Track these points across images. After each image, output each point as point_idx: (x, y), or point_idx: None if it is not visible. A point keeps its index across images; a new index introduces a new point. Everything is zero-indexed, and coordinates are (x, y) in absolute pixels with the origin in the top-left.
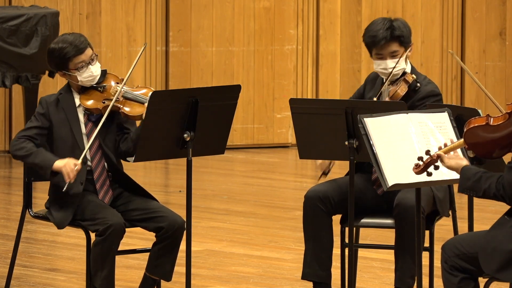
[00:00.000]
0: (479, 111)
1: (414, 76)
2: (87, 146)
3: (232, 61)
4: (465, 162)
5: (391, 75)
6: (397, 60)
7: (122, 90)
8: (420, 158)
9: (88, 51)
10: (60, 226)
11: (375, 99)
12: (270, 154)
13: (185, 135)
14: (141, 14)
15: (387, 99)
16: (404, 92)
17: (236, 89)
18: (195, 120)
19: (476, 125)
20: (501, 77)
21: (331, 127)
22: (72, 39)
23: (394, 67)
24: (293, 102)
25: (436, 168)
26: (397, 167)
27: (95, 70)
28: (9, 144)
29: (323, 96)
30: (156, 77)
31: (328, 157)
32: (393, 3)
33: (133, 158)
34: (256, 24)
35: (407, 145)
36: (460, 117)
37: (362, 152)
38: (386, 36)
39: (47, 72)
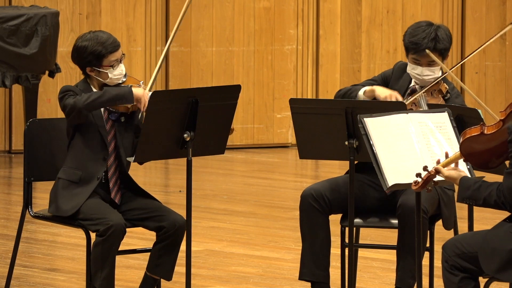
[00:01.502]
0: (479, 111)
1: (447, 87)
2: (150, 83)
3: (232, 61)
4: (464, 173)
5: (426, 87)
6: (434, 68)
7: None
8: (418, 175)
9: (120, 50)
10: (64, 213)
11: (411, 107)
12: (270, 154)
13: (185, 135)
14: (141, 14)
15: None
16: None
17: (236, 89)
18: (195, 120)
19: (472, 135)
20: (501, 77)
21: (331, 127)
22: (106, 38)
23: (433, 82)
24: (293, 102)
25: (436, 183)
26: (397, 167)
27: (123, 68)
28: (9, 144)
29: (323, 96)
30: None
31: (328, 157)
32: (393, 3)
33: (133, 158)
34: (256, 24)
35: (407, 145)
36: (460, 117)
37: (362, 152)
38: (430, 47)
39: (47, 72)
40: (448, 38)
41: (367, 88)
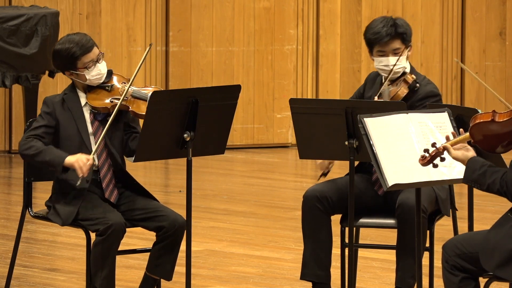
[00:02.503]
0: (479, 111)
1: (414, 77)
2: (95, 145)
3: (232, 61)
4: (471, 153)
5: (392, 72)
6: (397, 57)
7: (130, 89)
8: (426, 150)
9: (95, 50)
10: (64, 222)
11: (375, 98)
12: (270, 154)
13: (185, 135)
14: (141, 14)
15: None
16: (405, 94)
17: (236, 89)
18: (195, 120)
19: (482, 120)
20: (501, 77)
21: (331, 127)
22: (79, 39)
23: (395, 64)
24: (293, 102)
25: (442, 160)
26: (397, 167)
27: (102, 68)
28: (9, 144)
29: (323, 96)
30: (156, 77)
31: (328, 157)
32: (393, 3)
33: (133, 158)
34: (256, 24)
35: (407, 145)
36: (460, 117)
37: (362, 152)
38: (391, 33)
39: (47, 72)
40: (407, 25)
41: None
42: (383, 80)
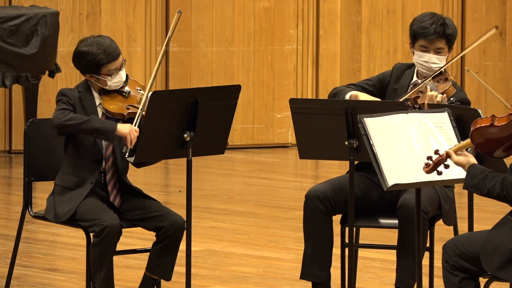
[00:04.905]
0: (479, 111)
1: (452, 78)
2: (138, 115)
3: (232, 61)
4: (473, 159)
5: (435, 72)
6: (442, 57)
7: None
8: (429, 158)
9: (120, 58)
10: (58, 219)
11: (428, 90)
12: (270, 154)
13: (185, 135)
14: (141, 14)
15: (440, 95)
16: (454, 92)
17: (236, 89)
18: (195, 120)
19: (482, 125)
20: (501, 77)
21: (331, 127)
22: (106, 46)
23: (442, 66)
24: (293, 102)
25: (446, 167)
26: (397, 167)
27: (123, 75)
28: (9, 144)
29: (323, 96)
30: (156, 77)
31: (328, 157)
32: (393, 3)
33: (133, 158)
34: (256, 24)
35: (407, 145)
36: (460, 117)
37: (362, 152)
38: (439, 32)
39: (47, 72)
40: (455, 28)
41: (353, 93)
42: (413, 80)
